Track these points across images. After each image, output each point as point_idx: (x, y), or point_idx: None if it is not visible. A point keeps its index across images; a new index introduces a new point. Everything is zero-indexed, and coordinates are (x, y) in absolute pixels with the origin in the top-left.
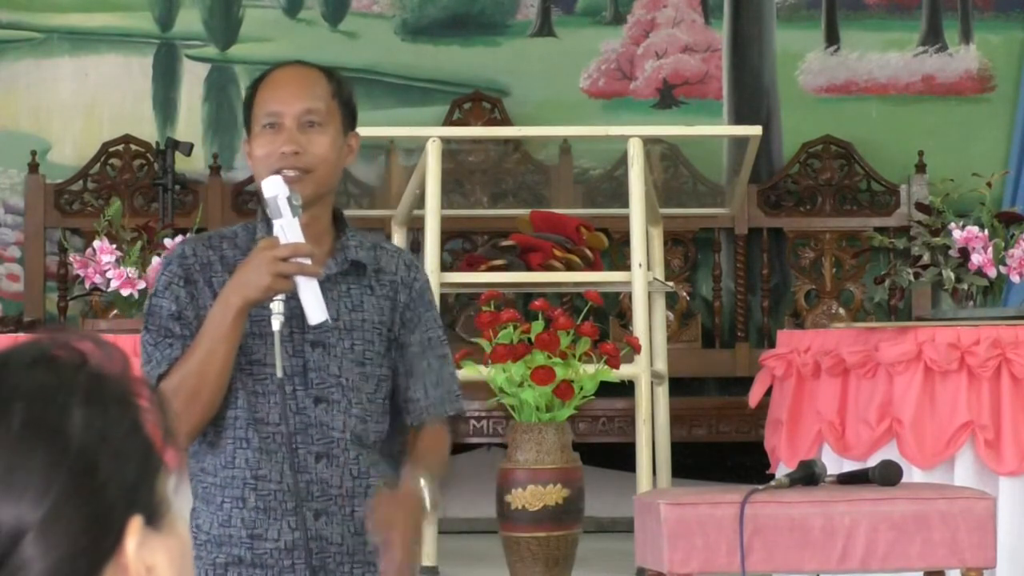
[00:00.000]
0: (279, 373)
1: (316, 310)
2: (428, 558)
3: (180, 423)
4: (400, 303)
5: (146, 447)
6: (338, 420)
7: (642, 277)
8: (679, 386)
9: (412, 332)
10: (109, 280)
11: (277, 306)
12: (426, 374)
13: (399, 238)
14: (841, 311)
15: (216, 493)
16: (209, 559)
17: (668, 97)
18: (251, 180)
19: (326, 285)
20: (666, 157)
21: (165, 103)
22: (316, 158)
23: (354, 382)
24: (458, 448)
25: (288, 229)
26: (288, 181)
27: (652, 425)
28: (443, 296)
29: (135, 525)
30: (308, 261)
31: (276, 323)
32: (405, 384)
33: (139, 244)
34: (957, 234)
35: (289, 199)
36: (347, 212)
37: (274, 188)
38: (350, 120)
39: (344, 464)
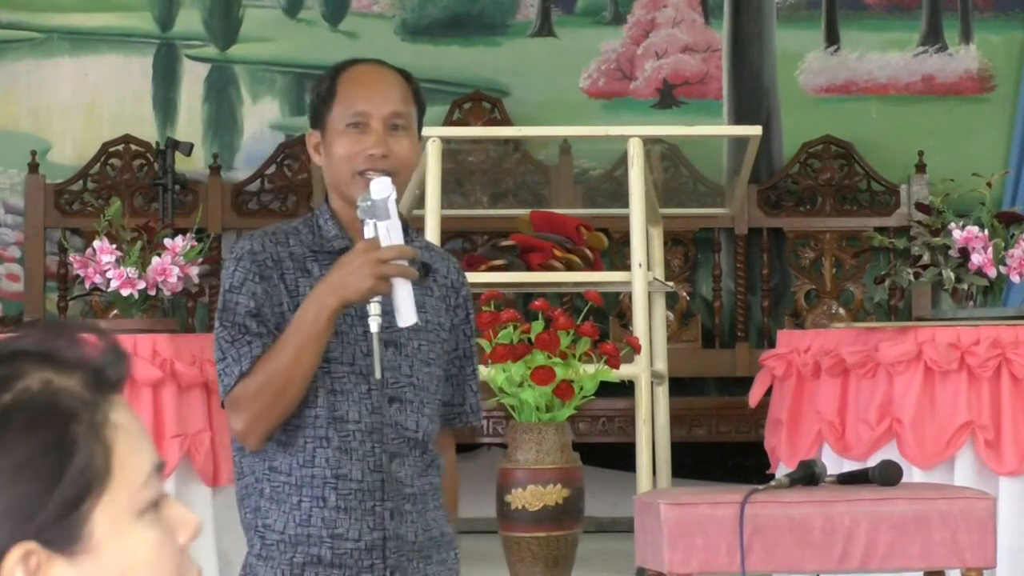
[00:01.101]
0: (377, 374)
1: (409, 312)
2: None
3: (261, 423)
4: (451, 305)
5: (61, 472)
6: (411, 420)
7: (642, 277)
8: (679, 386)
9: (458, 336)
10: (109, 280)
11: (375, 308)
12: (468, 380)
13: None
14: (841, 311)
15: (292, 492)
16: (284, 559)
17: (668, 97)
18: (251, 180)
19: None
20: (666, 157)
21: (165, 103)
22: (400, 161)
23: (423, 382)
24: (458, 448)
25: (392, 231)
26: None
27: (652, 425)
28: None
29: (17, 551)
30: (405, 263)
31: (375, 325)
32: (446, 387)
33: (139, 244)
34: (957, 234)
35: (397, 201)
36: None
37: (384, 189)
38: (422, 122)
39: (413, 463)
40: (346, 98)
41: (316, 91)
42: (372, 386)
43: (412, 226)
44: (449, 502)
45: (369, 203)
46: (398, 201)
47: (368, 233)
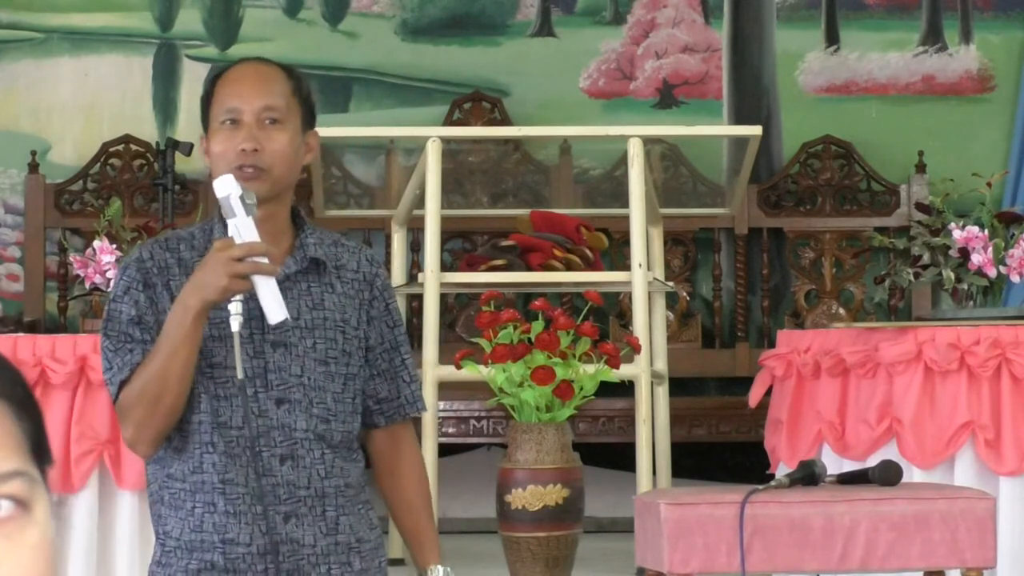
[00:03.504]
0: (240, 375)
1: (275, 309)
2: None
3: (145, 430)
4: (365, 300)
5: None
6: (300, 420)
7: (642, 277)
8: (679, 386)
9: (380, 329)
10: (109, 280)
11: (235, 307)
12: (399, 371)
13: (399, 238)
14: (841, 311)
15: (186, 499)
16: (180, 566)
17: (668, 97)
18: None
19: (286, 284)
20: (666, 157)
21: (165, 103)
22: (274, 156)
23: (317, 381)
24: (458, 448)
25: (243, 228)
26: (246, 178)
27: (652, 425)
28: (443, 296)
29: None
30: (265, 260)
31: (235, 324)
32: (375, 383)
33: (139, 244)
34: (957, 234)
35: (242, 198)
36: (347, 212)
37: (226, 187)
38: (309, 118)
39: (310, 465)
40: (220, 96)
41: (201, 95)
42: (258, 389)
43: (307, 221)
44: (416, 492)
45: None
46: (266, 199)
47: (230, 232)
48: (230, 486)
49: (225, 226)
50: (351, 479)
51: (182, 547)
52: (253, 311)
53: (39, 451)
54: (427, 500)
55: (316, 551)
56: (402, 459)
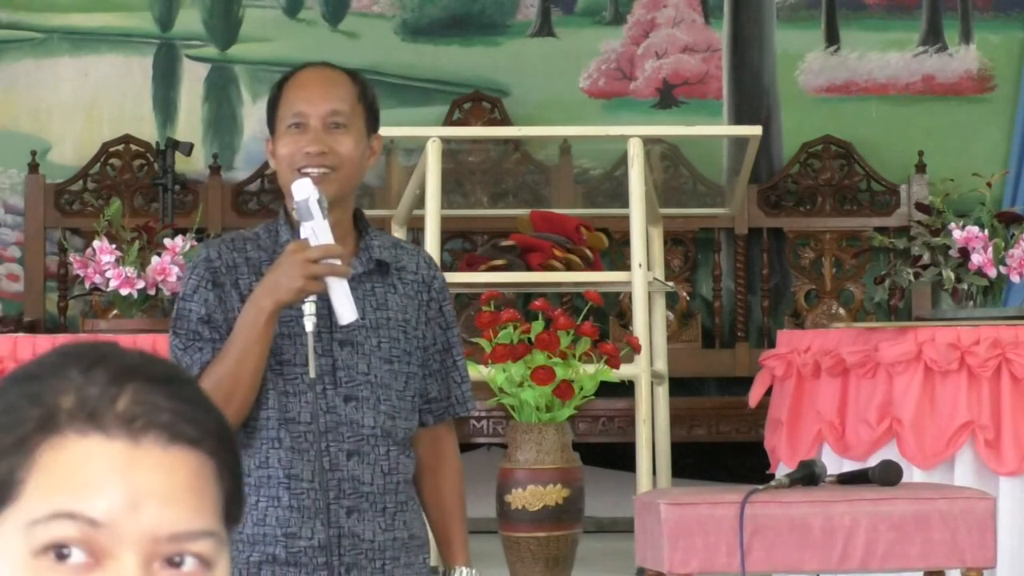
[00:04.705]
0: (312, 373)
1: (347, 310)
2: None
3: None
4: (423, 301)
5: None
6: (368, 417)
7: (642, 277)
8: (679, 386)
9: (435, 329)
10: (109, 280)
11: (309, 307)
12: (451, 372)
13: (399, 238)
14: (841, 311)
15: (251, 493)
16: (242, 558)
17: (668, 97)
18: (251, 180)
19: (352, 284)
20: (666, 157)
21: (165, 103)
22: (341, 158)
23: (383, 379)
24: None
25: (319, 231)
26: (313, 180)
27: (652, 425)
28: None
29: None
30: (338, 262)
31: (309, 324)
32: (427, 382)
33: (139, 244)
34: (957, 234)
35: (319, 201)
36: None
37: (305, 190)
38: (373, 122)
39: (375, 461)
40: (287, 100)
41: (268, 99)
42: (327, 386)
43: (369, 223)
44: (454, 493)
45: (295, 205)
46: (334, 201)
47: (304, 234)
48: (295, 481)
49: (291, 227)
50: (409, 476)
51: (243, 540)
52: (321, 310)
53: (232, 511)
54: (461, 502)
55: (374, 546)
56: (443, 459)
